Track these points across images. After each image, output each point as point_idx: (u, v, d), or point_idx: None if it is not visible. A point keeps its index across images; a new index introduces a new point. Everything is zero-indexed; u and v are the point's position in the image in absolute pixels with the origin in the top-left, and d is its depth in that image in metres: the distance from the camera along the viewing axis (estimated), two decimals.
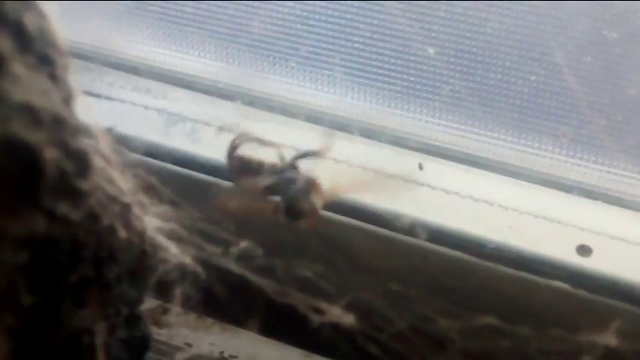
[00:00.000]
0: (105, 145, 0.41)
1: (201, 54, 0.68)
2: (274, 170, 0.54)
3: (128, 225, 0.42)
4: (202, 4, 0.65)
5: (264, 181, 0.53)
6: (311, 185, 0.53)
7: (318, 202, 0.52)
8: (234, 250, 0.51)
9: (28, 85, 0.33)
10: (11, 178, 0.32)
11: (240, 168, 0.55)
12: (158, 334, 0.60)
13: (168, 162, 0.61)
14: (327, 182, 0.53)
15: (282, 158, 0.55)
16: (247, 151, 0.56)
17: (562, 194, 0.60)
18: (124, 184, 0.42)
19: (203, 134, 0.64)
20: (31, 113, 0.33)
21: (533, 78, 0.57)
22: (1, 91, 0.31)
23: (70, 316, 0.38)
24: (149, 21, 0.69)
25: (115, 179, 0.41)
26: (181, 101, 0.67)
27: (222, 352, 0.62)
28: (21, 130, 0.32)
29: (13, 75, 0.32)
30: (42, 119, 0.33)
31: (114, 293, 0.42)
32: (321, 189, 0.53)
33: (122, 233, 0.41)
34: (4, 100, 0.31)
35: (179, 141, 0.63)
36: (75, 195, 0.36)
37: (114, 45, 0.71)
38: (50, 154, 0.33)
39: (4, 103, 0.31)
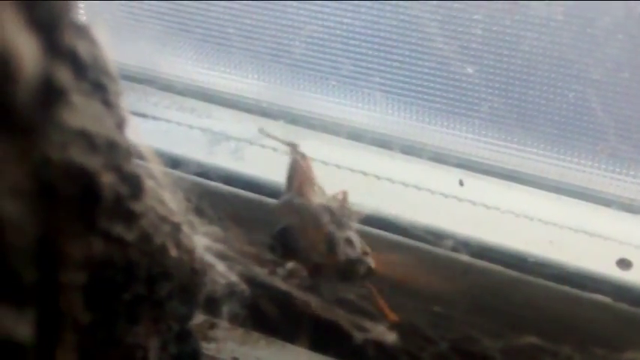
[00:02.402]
0: (155, 165, 0.42)
1: (244, 74, 0.70)
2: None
3: (178, 244, 0.43)
4: (244, 26, 0.66)
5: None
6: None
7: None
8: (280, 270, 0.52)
9: (84, 112, 0.34)
10: (71, 202, 0.33)
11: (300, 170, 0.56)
12: (206, 348, 0.61)
13: (213, 180, 0.62)
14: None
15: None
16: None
17: (601, 208, 0.61)
18: (173, 204, 0.43)
19: (247, 153, 0.65)
20: (87, 139, 0.34)
21: (571, 94, 0.58)
22: (59, 119, 0.33)
23: (124, 333, 0.40)
24: (193, 42, 0.70)
25: (165, 199, 0.42)
26: (225, 120, 0.69)
27: None
28: (78, 155, 0.33)
29: (70, 103, 0.33)
30: (97, 145, 0.35)
31: (165, 310, 0.43)
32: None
33: (173, 252, 0.42)
34: (62, 127, 0.33)
35: (223, 159, 0.65)
36: (129, 217, 0.37)
37: (159, 66, 0.72)
38: (107, 179, 0.35)
39: (62, 130, 0.33)
